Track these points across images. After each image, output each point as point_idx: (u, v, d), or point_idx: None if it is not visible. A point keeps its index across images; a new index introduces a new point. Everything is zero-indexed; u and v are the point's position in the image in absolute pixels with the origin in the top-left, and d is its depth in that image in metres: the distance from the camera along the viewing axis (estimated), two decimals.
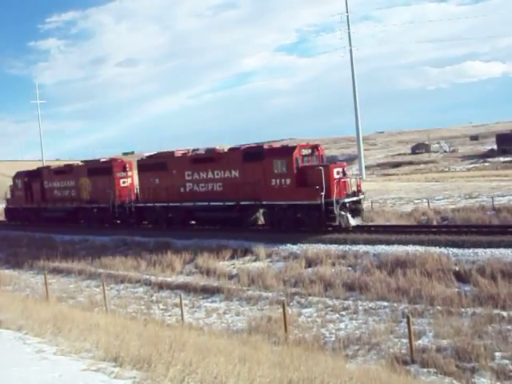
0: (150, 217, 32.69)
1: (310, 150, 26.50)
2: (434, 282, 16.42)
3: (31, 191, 42.46)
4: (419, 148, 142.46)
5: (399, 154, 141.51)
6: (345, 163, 29.11)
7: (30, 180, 43.11)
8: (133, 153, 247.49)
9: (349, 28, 66.28)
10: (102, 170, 36.54)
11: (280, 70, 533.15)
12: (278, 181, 25.70)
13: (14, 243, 32.34)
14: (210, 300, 18.15)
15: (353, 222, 24.60)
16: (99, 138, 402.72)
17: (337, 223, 24.15)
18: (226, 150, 30.48)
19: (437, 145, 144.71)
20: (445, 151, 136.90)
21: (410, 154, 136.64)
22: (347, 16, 66.62)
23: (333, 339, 13.64)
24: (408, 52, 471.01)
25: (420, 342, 12.69)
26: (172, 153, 32.40)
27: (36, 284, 22.72)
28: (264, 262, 21.69)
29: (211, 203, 28.52)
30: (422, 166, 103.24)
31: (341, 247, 21.33)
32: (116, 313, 15.40)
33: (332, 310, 15.85)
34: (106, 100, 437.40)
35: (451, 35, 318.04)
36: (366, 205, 29.20)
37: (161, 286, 20.23)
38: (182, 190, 30.17)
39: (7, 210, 46.67)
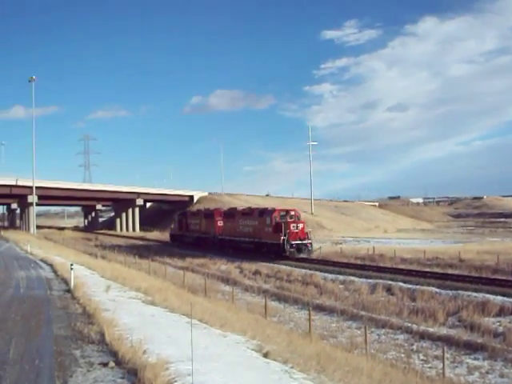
0: (225, 245, 53.11)
1: (284, 212, 45.66)
2: None
3: (181, 224, 66.02)
4: None
5: None
6: (303, 221, 46.32)
7: (181, 217, 67.14)
8: (399, 197, 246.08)
9: None
10: (209, 215, 59.31)
11: None
12: (267, 229, 45.09)
13: (279, 277, 35.04)
14: (472, 357, 17.33)
15: (298, 255, 42.16)
16: (365, 180, 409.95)
17: (287, 254, 42.02)
18: (253, 209, 51.46)
19: None
20: None
21: None
22: None
23: None
24: None
25: None
26: (236, 208, 56.99)
27: (299, 319, 23.41)
28: None
29: (245, 239, 48.76)
30: None
31: None
32: (376, 357, 15.72)
33: None
34: (373, 144, 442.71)
35: None
36: None
37: (422, 336, 19.59)
38: (237, 230, 50.63)
39: (170, 235, 71.04)
